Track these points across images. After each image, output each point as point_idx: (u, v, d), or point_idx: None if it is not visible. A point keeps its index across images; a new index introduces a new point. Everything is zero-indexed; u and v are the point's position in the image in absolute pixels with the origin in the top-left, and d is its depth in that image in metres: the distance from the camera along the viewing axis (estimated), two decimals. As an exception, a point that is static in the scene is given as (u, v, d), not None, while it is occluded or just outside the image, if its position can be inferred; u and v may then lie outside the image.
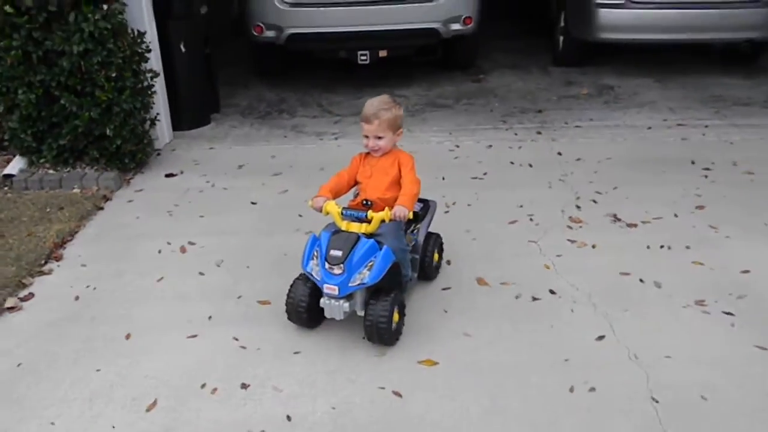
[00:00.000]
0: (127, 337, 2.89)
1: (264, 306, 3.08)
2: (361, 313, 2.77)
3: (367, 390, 2.53)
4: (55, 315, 3.07)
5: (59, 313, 3.09)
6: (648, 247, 3.50)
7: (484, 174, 4.50)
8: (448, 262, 3.37)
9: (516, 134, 5.26)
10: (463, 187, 4.27)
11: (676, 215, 3.84)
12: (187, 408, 2.47)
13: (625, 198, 4.07)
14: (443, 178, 4.43)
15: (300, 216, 3.95)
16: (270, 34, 6.09)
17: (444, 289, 3.18)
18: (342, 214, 2.78)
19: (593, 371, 2.59)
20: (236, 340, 2.84)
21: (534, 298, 3.09)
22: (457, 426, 2.36)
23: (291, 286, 2.85)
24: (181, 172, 4.71)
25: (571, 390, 2.50)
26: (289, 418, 2.41)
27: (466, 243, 3.58)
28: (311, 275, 2.74)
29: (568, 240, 3.60)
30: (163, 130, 5.14)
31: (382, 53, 6.19)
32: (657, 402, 2.42)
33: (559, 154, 4.83)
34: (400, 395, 2.51)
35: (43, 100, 4.29)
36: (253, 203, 4.20)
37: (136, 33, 4.46)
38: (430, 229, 3.18)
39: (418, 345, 2.78)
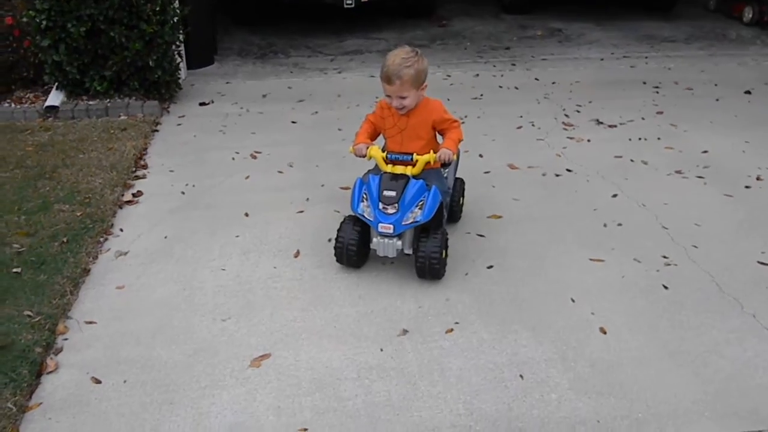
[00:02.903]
0: (246, 215, 3.50)
1: (346, 190, 3.72)
2: (408, 251, 2.91)
3: (458, 234, 3.29)
4: (172, 205, 3.62)
5: (175, 204, 3.63)
6: (629, 140, 4.45)
7: (481, 95, 5.31)
8: (480, 156, 4.17)
9: (494, 66, 6.11)
10: (467, 106, 5.06)
11: (643, 118, 4.82)
12: (325, 254, 3.14)
13: (600, 108, 5.00)
14: (448, 99, 5.16)
15: (339, 129, 4.62)
16: (263, -20, 6.57)
17: (485, 172, 3.98)
18: (386, 157, 2.86)
19: (616, 214, 3.49)
20: (337, 212, 3.52)
21: (557, 175, 3.95)
22: (533, 249, 3.18)
23: (339, 229, 2.94)
24: (212, 101, 5.21)
25: (605, 225, 3.39)
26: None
27: (488, 143, 4.39)
28: (363, 216, 2.83)
29: (568, 137, 4.49)
30: (182, 67, 5.57)
31: (364, -2, 6.83)
32: (667, 229, 3.35)
33: (537, 79, 5.72)
34: (483, 236, 3.30)
35: (89, 34, 4.66)
36: (293, 122, 4.80)
37: (170, -28, 4.90)
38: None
39: (482, 207, 3.56)
